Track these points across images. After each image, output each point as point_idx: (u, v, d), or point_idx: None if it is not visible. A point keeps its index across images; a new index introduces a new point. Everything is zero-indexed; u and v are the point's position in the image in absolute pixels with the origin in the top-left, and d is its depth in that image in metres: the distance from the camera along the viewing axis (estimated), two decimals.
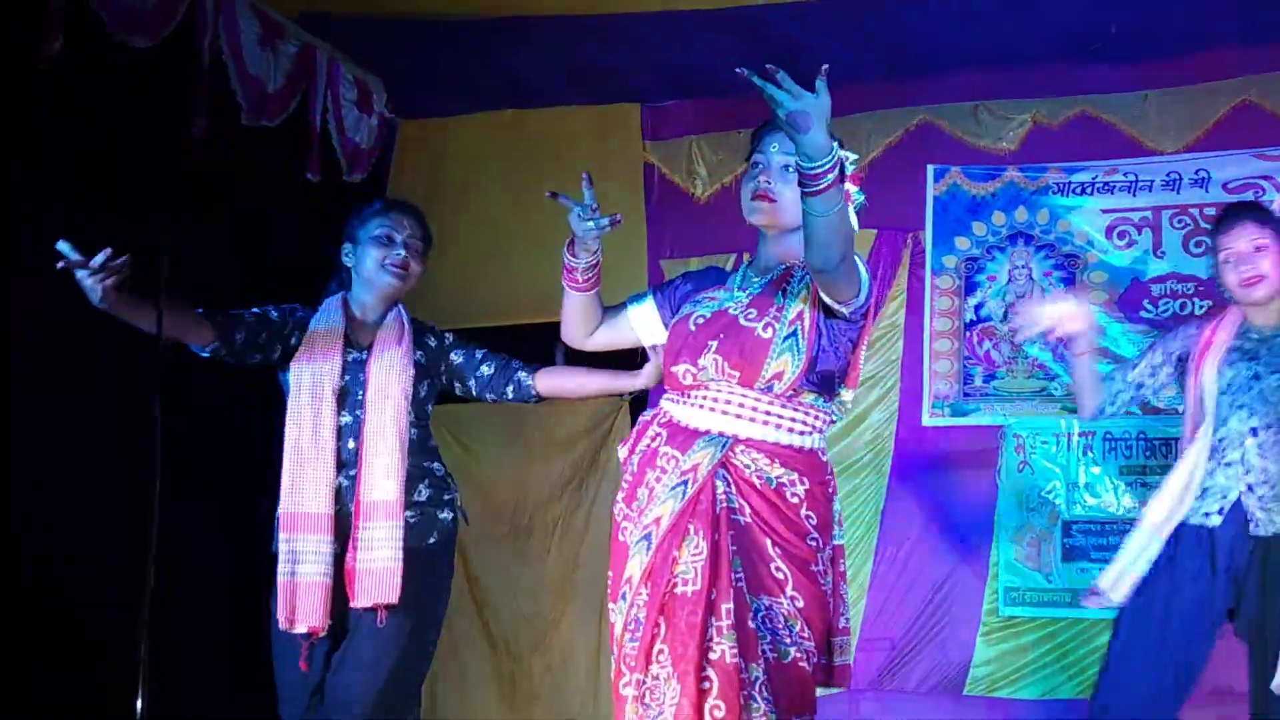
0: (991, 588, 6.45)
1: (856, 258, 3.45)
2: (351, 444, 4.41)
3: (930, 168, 6.78)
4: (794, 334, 3.50)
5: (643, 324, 3.94)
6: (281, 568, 4.36)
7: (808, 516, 3.51)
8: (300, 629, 4.31)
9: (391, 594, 4.30)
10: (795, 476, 3.51)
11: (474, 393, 4.73)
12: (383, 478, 4.38)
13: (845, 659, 3.67)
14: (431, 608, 4.56)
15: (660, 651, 3.38)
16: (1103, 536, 6.23)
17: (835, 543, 3.64)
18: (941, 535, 6.56)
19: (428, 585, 4.47)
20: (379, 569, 4.32)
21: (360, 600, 4.31)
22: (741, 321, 3.56)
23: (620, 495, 3.69)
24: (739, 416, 3.52)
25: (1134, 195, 6.47)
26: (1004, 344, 6.58)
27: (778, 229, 3.69)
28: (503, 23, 6.25)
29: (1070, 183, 6.56)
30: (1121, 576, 4.35)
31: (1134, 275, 6.38)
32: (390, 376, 4.46)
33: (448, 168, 7.19)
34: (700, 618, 3.34)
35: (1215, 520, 4.19)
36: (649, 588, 3.44)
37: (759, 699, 3.35)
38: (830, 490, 3.65)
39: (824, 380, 3.58)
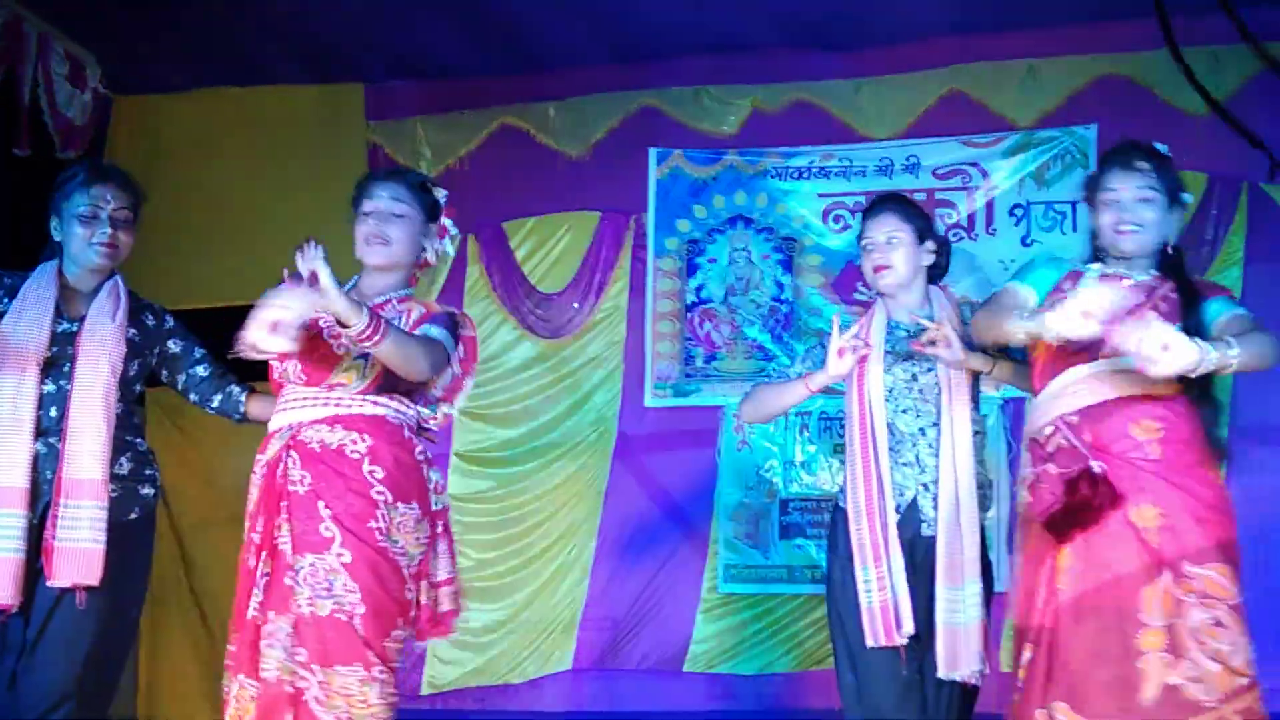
0: (711, 565, 6.56)
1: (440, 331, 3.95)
2: (54, 412, 4.24)
3: (652, 151, 6.86)
4: (365, 356, 3.85)
5: None
6: None
7: (371, 471, 3.81)
8: None
9: (92, 575, 4.14)
10: (356, 436, 3.84)
11: (179, 387, 4.57)
12: (87, 456, 4.21)
13: (449, 606, 4.02)
14: (131, 585, 4.40)
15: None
16: (818, 514, 6.36)
17: (434, 508, 3.98)
18: (663, 514, 6.65)
19: (127, 562, 4.30)
20: (80, 549, 4.15)
21: (58, 579, 4.13)
22: (324, 335, 3.89)
23: None
24: (302, 408, 3.90)
25: (849, 180, 6.63)
26: (724, 325, 6.68)
27: (388, 269, 4.07)
28: None
29: (788, 167, 6.70)
30: None
31: (849, 258, 6.50)
32: (101, 352, 4.29)
33: (166, 145, 7.02)
34: (246, 582, 3.80)
35: (894, 517, 4.27)
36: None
37: (277, 646, 3.71)
38: (415, 455, 3.95)
39: (404, 388, 3.98)
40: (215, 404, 4.54)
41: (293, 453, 3.82)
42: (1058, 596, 3.66)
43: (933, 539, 4.22)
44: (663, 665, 6.49)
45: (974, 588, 4.20)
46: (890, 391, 4.29)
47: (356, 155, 7.00)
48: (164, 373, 4.53)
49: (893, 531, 4.20)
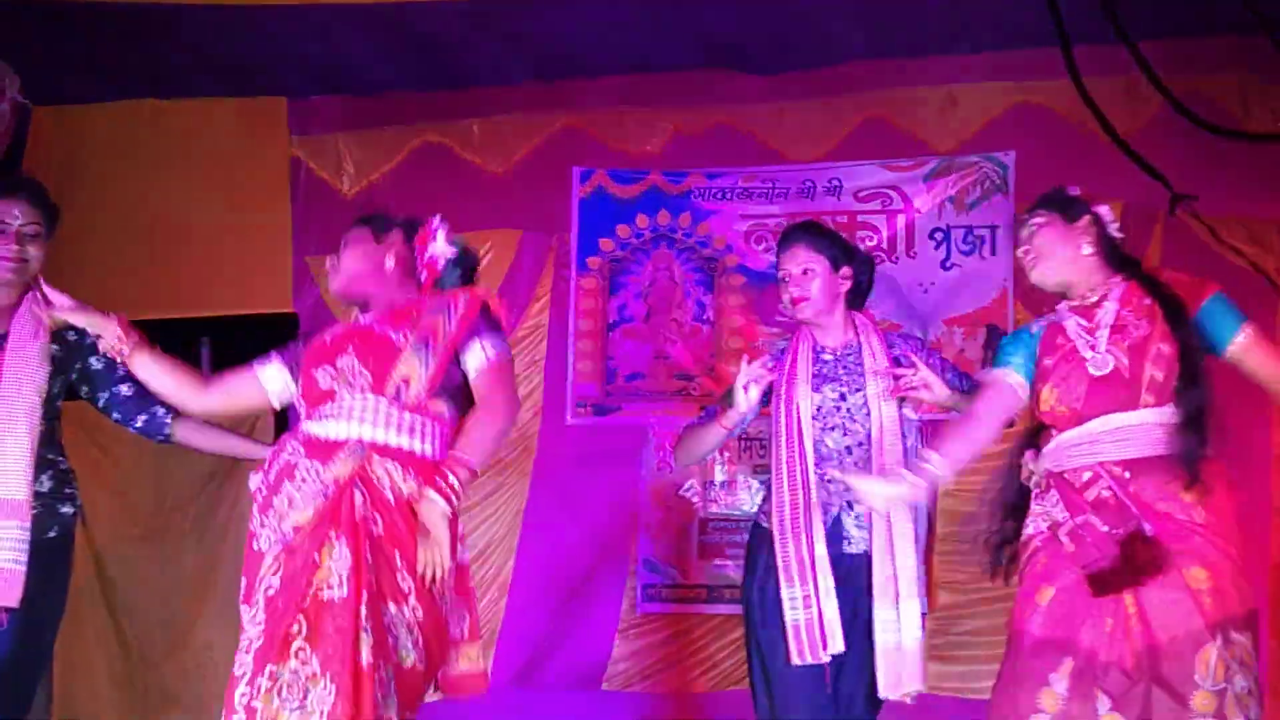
0: (630, 584, 6.58)
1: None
2: None
3: (576, 170, 6.85)
4: (426, 344, 3.77)
5: (273, 382, 4.08)
6: None
7: None
8: None
9: (12, 597, 4.11)
10: (417, 484, 3.70)
11: (100, 405, 4.51)
12: (11, 476, 4.15)
13: (466, 667, 3.90)
14: (48, 604, 4.35)
15: (302, 649, 3.49)
16: (737, 534, 6.35)
17: (460, 559, 3.86)
18: (582, 533, 6.64)
19: (45, 581, 4.26)
20: (1, 569, 4.14)
21: None
22: (375, 329, 3.85)
23: (255, 507, 3.80)
24: (374, 424, 3.72)
25: (771, 202, 6.66)
26: (646, 345, 6.70)
27: (351, 296, 4.06)
28: (144, 9, 6.04)
29: (711, 188, 6.72)
30: None
31: (770, 279, 6.49)
32: (24, 372, 4.24)
33: (85, 156, 6.96)
34: (350, 623, 3.48)
35: (821, 534, 4.28)
36: (287, 589, 3.55)
37: (392, 696, 3.56)
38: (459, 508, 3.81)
39: (456, 391, 3.85)
40: (139, 424, 4.48)
41: (363, 486, 3.66)
42: (1131, 637, 3.62)
43: (855, 556, 4.27)
44: (580, 684, 6.49)
45: (912, 605, 4.24)
46: (819, 410, 4.33)
47: (278, 170, 6.98)
48: (84, 389, 4.48)
49: (820, 549, 4.23)
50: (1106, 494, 3.70)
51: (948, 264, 6.45)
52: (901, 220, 6.52)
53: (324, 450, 3.71)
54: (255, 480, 3.85)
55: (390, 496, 3.66)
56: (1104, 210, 3.96)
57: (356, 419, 3.72)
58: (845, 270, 4.45)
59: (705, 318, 6.68)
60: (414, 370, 3.73)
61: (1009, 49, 6.32)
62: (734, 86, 6.73)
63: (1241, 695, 3.51)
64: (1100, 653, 3.61)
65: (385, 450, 3.69)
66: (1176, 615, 3.56)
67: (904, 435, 4.38)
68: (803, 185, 6.64)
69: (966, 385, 4.40)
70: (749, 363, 4.35)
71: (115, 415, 4.50)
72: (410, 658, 3.62)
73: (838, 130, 6.64)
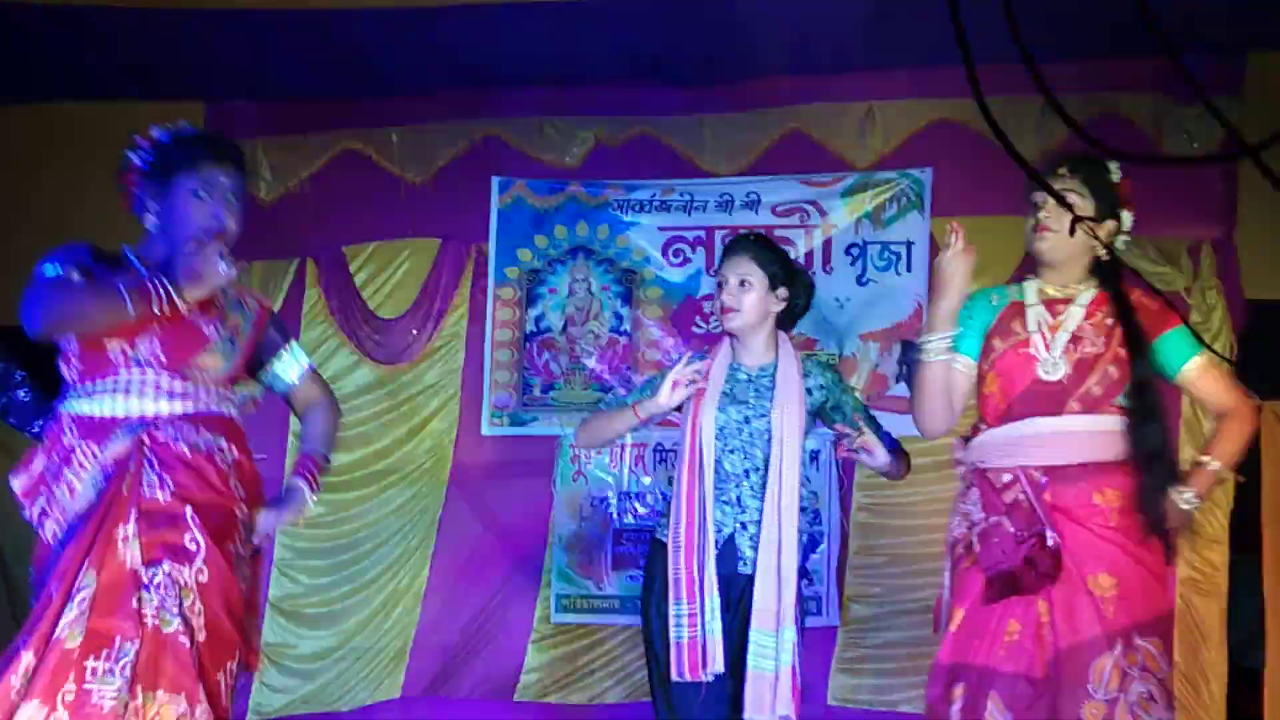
0: (544, 595, 6.57)
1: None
2: None
3: (495, 180, 6.84)
4: (231, 340, 3.61)
5: None
6: None
7: (235, 487, 3.52)
8: None
9: None
10: (224, 443, 3.52)
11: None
12: None
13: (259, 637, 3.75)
14: None
15: None
16: None
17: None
18: (497, 543, 6.65)
19: None
20: None
21: None
22: (187, 319, 3.51)
23: (32, 501, 3.50)
24: (156, 398, 3.48)
25: (689, 215, 6.68)
26: (563, 355, 6.70)
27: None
28: (58, 11, 5.99)
29: (629, 200, 6.74)
30: None
31: (688, 292, 6.60)
32: None
33: None
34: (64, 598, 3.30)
35: (713, 554, 4.29)
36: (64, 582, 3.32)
37: (116, 674, 3.21)
38: (258, 468, 3.67)
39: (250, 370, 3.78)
40: (37, 429, 4.43)
41: (148, 452, 3.41)
42: (1043, 645, 3.65)
43: (749, 577, 4.27)
44: (493, 694, 6.48)
45: (789, 634, 4.24)
46: (721, 430, 4.33)
47: None
48: None
49: (710, 570, 4.23)
50: (1022, 498, 3.72)
51: (863, 279, 6.49)
52: (819, 235, 6.56)
53: (100, 430, 3.44)
54: (22, 481, 3.51)
55: (185, 450, 3.45)
56: (1128, 216, 3.90)
57: (138, 396, 3.47)
58: (782, 291, 4.45)
59: (622, 329, 6.69)
60: (218, 362, 3.55)
61: (928, 66, 6.35)
62: (655, 99, 6.75)
63: (1142, 700, 3.56)
64: (1005, 664, 3.65)
65: (171, 418, 3.47)
66: (1078, 622, 3.61)
67: (801, 465, 4.39)
68: (721, 198, 6.66)
69: (889, 443, 4.42)
70: (688, 362, 4.35)
71: (11, 420, 4.46)
72: (175, 623, 3.29)
73: (757, 144, 6.67)
